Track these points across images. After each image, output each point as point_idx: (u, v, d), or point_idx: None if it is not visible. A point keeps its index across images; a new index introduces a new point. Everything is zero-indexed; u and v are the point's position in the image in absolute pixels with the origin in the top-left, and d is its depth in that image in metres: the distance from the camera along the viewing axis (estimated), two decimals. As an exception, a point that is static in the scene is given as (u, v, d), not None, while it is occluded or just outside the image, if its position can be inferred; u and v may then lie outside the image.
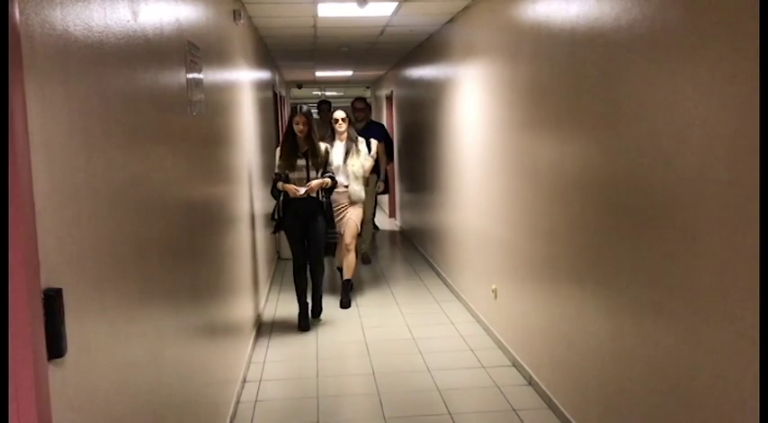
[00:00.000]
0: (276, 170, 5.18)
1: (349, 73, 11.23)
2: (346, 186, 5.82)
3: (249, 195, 5.01)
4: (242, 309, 4.29)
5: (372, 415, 3.66)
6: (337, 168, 5.60)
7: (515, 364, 4.27)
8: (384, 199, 11.29)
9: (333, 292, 6.20)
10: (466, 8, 5.40)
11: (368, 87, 15.07)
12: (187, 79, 2.76)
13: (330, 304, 5.81)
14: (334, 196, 5.42)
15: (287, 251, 6.56)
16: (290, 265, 5.46)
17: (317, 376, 4.26)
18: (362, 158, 5.95)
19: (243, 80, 5.04)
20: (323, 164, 5.13)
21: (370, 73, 11.58)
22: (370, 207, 7.48)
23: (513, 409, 3.67)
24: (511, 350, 4.38)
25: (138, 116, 2.00)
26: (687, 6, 2.24)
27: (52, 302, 1.29)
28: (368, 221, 7.46)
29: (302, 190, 4.98)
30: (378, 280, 6.89)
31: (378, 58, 9.01)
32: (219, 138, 3.69)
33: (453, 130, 6.08)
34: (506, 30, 4.32)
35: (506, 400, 3.80)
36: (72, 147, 1.47)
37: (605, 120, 2.88)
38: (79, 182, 1.50)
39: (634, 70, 2.60)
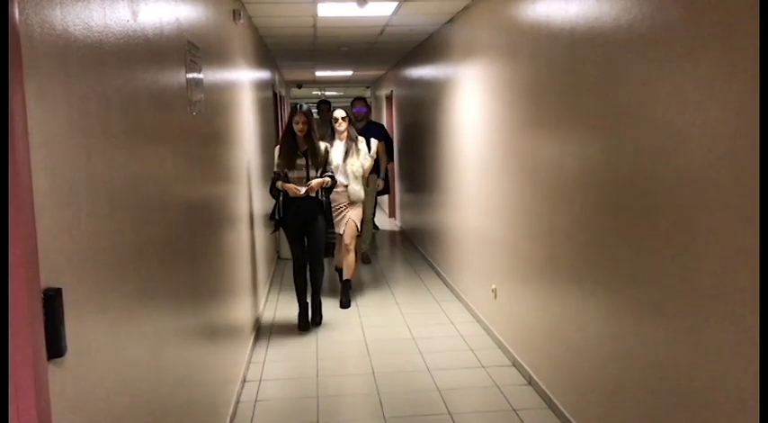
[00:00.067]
0: (275, 169, 5.14)
1: (349, 73, 11.22)
2: (346, 186, 5.79)
3: (249, 195, 5.01)
4: (242, 309, 4.29)
5: (372, 415, 3.66)
6: (336, 167, 5.57)
7: (515, 364, 4.27)
8: (384, 199, 11.29)
9: (333, 292, 6.19)
10: (466, 8, 5.40)
11: (368, 87, 15.07)
12: (187, 79, 2.76)
13: (330, 304, 5.81)
14: (333, 196, 5.40)
15: (287, 251, 6.56)
16: (290, 264, 5.46)
17: (317, 376, 4.26)
18: (362, 158, 5.93)
19: (243, 80, 5.04)
20: (322, 163, 5.10)
21: (370, 73, 11.58)
22: (370, 207, 7.47)
23: (513, 409, 3.67)
24: (511, 350, 4.38)
25: (138, 116, 2.00)
26: (687, 6, 2.24)
27: (52, 302, 1.29)
28: (368, 221, 7.46)
29: (303, 189, 4.95)
30: (378, 280, 6.89)
31: (377, 57, 9.01)
32: (219, 137, 3.69)
33: (453, 130, 6.08)
34: (506, 29, 4.32)
35: (506, 399, 3.80)
36: (71, 146, 1.47)
37: (605, 119, 2.88)
38: (79, 182, 1.50)
39: (634, 70, 2.60)
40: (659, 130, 2.42)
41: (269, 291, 6.36)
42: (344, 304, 5.83)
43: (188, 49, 2.81)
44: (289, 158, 5.05)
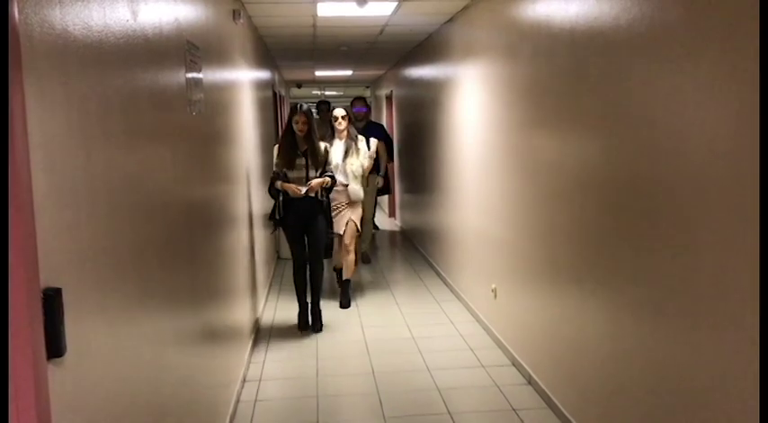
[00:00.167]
0: (274, 169, 5.10)
1: (348, 72, 11.22)
2: (345, 185, 5.76)
3: (249, 195, 5.00)
4: (242, 308, 4.29)
5: (372, 414, 3.66)
6: (336, 167, 5.53)
7: (515, 364, 4.27)
8: (384, 199, 11.28)
9: (332, 293, 6.19)
10: (465, 8, 5.40)
11: (367, 87, 15.07)
12: (186, 79, 2.76)
13: (330, 304, 5.81)
14: (332, 195, 5.37)
15: (286, 251, 6.55)
16: (290, 264, 5.45)
17: (317, 376, 4.26)
18: (362, 157, 5.90)
19: (242, 79, 5.04)
20: (322, 163, 5.07)
21: (370, 72, 11.58)
22: (370, 207, 7.47)
23: (513, 409, 3.67)
24: (510, 349, 4.38)
25: (138, 116, 2.00)
26: (687, 6, 2.24)
27: (51, 302, 1.29)
28: (368, 221, 7.45)
29: (303, 189, 4.91)
30: (378, 280, 6.89)
31: (377, 57, 9.01)
32: (219, 137, 3.69)
33: (453, 129, 6.08)
34: (506, 29, 4.32)
35: (506, 399, 3.80)
36: (71, 147, 1.47)
37: (605, 119, 2.88)
38: (78, 182, 1.50)
39: (634, 70, 2.59)
40: (659, 130, 2.42)
41: (269, 290, 6.36)
42: (344, 304, 5.83)
43: (188, 48, 2.81)
44: (288, 158, 5.01)
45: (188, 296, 2.62)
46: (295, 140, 5.02)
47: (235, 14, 4.60)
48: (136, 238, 1.91)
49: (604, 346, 2.96)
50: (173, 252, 2.38)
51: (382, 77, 12.08)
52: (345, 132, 5.86)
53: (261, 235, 5.72)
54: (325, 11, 5.52)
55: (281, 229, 5.23)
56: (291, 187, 4.93)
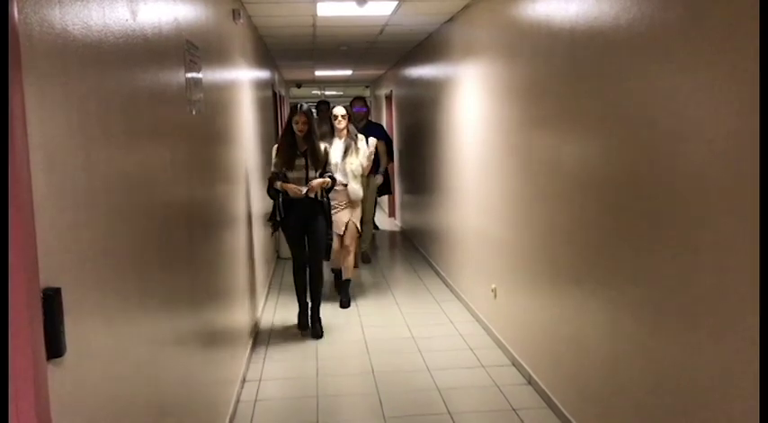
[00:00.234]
0: (273, 169, 5.04)
1: (348, 72, 11.22)
2: (345, 185, 5.73)
3: (249, 195, 5.00)
4: (241, 308, 4.29)
5: (372, 414, 3.66)
6: (335, 166, 5.50)
7: (515, 364, 4.27)
8: (384, 199, 11.28)
9: (332, 294, 6.18)
10: (465, 7, 5.40)
11: (367, 86, 15.07)
12: (186, 78, 2.76)
13: (330, 304, 5.81)
14: (332, 194, 5.33)
15: (286, 251, 6.54)
16: (290, 264, 5.45)
17: (317, 375, 4.26)
18: (361, 157, 5.87)
19: (242, 79, 5.04)
20: (322, 164, 5.02)
21: (370, 72, 11.58)
22: (370, 207, 7.47)
23: (513, 409, 3.67)
24: (510, 349, 4.38)
25: (138, 116, 2.00)
26: (687, 5, 2.24)
27: (51, 302, 1.29)
28: (368, 221, 7.45)
29: (304, 189, 4.87)
30: (378, 280, 6.89)
31: (377, 57, 9.01)
32: (219, 137, 3.69)
33: (453, 129, 6.08)
34: (506, 29, 4.32)
35: (506, 399, 3.80)
36: (71, 147, 1.46)
37: (605, 119, 2.88)
38: (78, 182, 1.50)
39: (633, 69, 2.59)
40: (659, 130, 2.42)
41: (269, 290, 6.36)
42: (344, 304, 5.82)
43: (187, 48, 2.81)
44: (288, 158, 4.96)
45: (188, 296, 2.62)
46: (295, 141, 4.97)
47: (234, 14, 4.59)
48: (135, 238, 1.91)
49: (604, 345, 2.96)
50: (172, 252, 2.38)
51: (382, 77, 12.08)
52: (345, 131, 5.83)
53: (260, 235, 5.72)
54: (324, 10, 5.51)
55: (281, 229, 5.20)
56: (292, 187, 4.88)
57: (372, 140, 6.16)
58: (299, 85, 13.74)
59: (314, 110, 5.21)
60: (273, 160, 5.06)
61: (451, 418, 3.58)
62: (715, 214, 2.11)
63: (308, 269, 5.18)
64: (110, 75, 1.75)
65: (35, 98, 1.28)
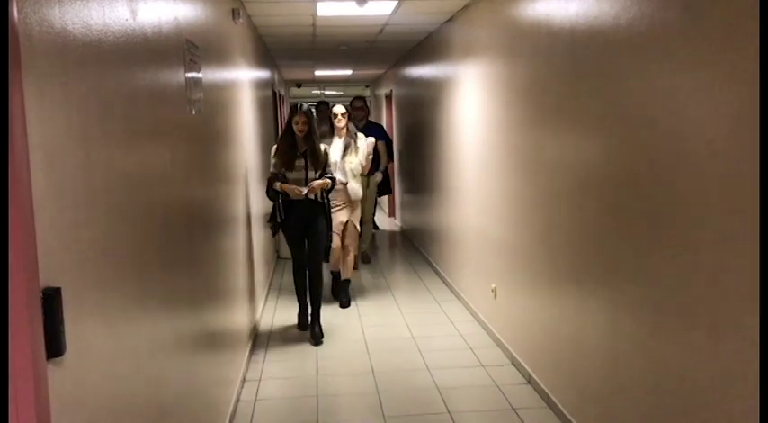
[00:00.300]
0: (272, 170, 4.97)
1: (348, 72, 11.22)
2: (344, 184, 5.70)
3: (249, 195, 5.00)
4: (241, 308, 4.29)
5: (372, 413, 3.67)
6: (335, 164, 5.45)
7: (514, 363, 4.27)
8: (384, 199, 11.28)
9: (331, 297, 6.15)
10: (465, 7, 5.40)
11: (367, 86, 15.07)
12: (186, 78, 2.76)
13: (330, 304, 5.80)
14: (331, 193, 5.30)
15: (286, 250, 6.54)
16: (290, 264, 5.44)
17: (317, 375, 4.26)
18: (361, 155, 5.84)
19: (242, 79, 5.03)
20: (322, 165, 4.96)
21: (370, 72, 11.58)
22: (370, 207, 7.46)
23: (513, 408, 3.67)
24: (510, 349, 4.38)
25: (137, 115, 2.00)
26: (687, 5, 2.24)
27: (51, 301, 1.29)
28: (368, 221, 7.44)
29: (305, 190, 4.81)
30: (378, 280, 6.89)
31: (377, 56, 9.01)
32: (219, 137, 3.69)
33: (453, 129, 6.08)
34: (506, 28, 4.32)
35: (505, 398, 3.80)
36: (71, 146, 1.46)
37: (604, 119, 2.88)
38: (78, 181, 1.49)
39: (633, 69, 2.59)
40: (659, 130, 2.42)
41: (268, 290, 6.36)
42: (344, 304, 5.82)
43: (187, 47, 2.81)
44: (287, 159, 4.89)
45: (188, 296, 2.62)
46: (294, 141, 4.91)
47: (234, 14, 4.59)
48: (135, 237, 1.91)
49: (604, 345, 2.96)
50: (172, 251, 2.38)
51: (382, 77, 12.08)
52: (345, 130, 5.80)
53: (260, 234, 5.71)
54: (324, 10, 5.51)
55: (281, 230, 5.15)
56: (292, 188, 4.82)
57: (370, 140, 6.14)
58: (298, 85, 13.74)
59: (313, 110, 5.17)
60: (272, 161, 5.00)
61: (451, 417, 3.58)
62: (715, 214, 2.11)
63: (307, 271, 5.14)
64: (110, 74, 1.75)
65: (35, 98, 1.28)
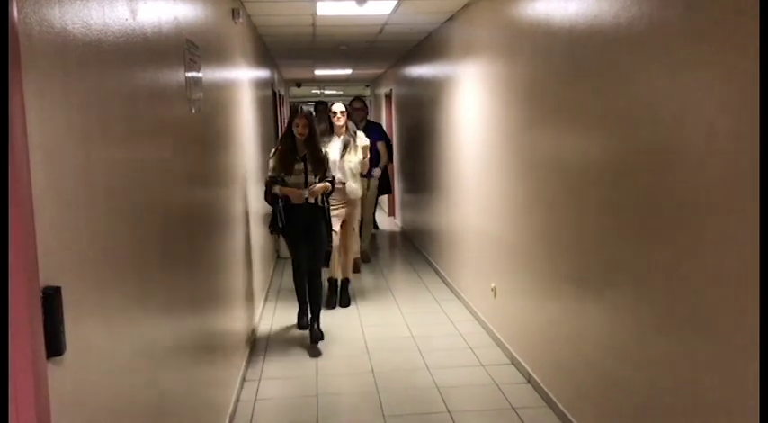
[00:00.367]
0: (270, 173, 4.82)
1: (348, 71, 11.22)
2: (343, 183, 5.64)
3: (248, 195, 4.99)
4: (241, 308, 4.29)
5: (372, 413, 3.67)
6: (334, 163, 5.35)
7: (514, 362, 4.28)
8: (384, 198, 11.28)
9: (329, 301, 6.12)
10: (465, 6, 5.40)
11: (367, 86, 15.07)
12: (186, 78, 2.76)
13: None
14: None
15: (286, 250, 6.53)
16: (289, 264, 5.43)
17: (317, 375, 4.26)
18: (360, 154, 5.80)
19: (242, 78, 5.03)
20: (323, 169, 4.84)
21: (370, 71, 11.58)
22: (370, 207, 7.45)
23: (512, 407, 3.67)
24: (510, 348, 4.38)
25: (137, 115, 2.00)
26: (687, 5, 2.24)
27: (51, 301, 1.29)
28: (368, 221, 7.44)
29: (306, 193, 4.71)
30: (378, 279, 6.89)
31: (377, 56, 9.01)
32: (219, 136, 3.69)
33: (453, 128, 6.08)
34: (506, 28, 4.32)
35: (505, 397, 3.80)
36: (70, 146, 1.46)
37: (604, 118, 2.88)
38: (78, 181, 1.50)
39: (633, 69, 2.59)
40: (659, 130, 2.42)
41: (268, 290, 6.36)
42: (344, 303, 5.82)
43: (187, 47, 2.81)
44: (287, 163, 4.75)
45: (187, 295, 2.62)
46: (295, 145, 4.77)
47: (234, 13, 4.59)
48: (135, 237, 1.91)
49: (604, 344, 2.97)
50: (172, 251, 2.38)
51: (382, 76, 12.08)
52: (344, 128, 5.75)
53: (260, 234, 5.71)
54: (324, 10, 5.51)
55: (281, 234, 5.07)
56: (293, 192, 4.72)
57: (367, 141, 6.06)
58: (298, 85, 13.73)
59: (313, 111, 5.11)
60: (271, 164, 4.86)
61: (451, 416, 3.58)
62: (715, 214, 2.11)
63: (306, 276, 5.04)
64: (110, 74, 1.75)
65: (35, 98, 1.28)
